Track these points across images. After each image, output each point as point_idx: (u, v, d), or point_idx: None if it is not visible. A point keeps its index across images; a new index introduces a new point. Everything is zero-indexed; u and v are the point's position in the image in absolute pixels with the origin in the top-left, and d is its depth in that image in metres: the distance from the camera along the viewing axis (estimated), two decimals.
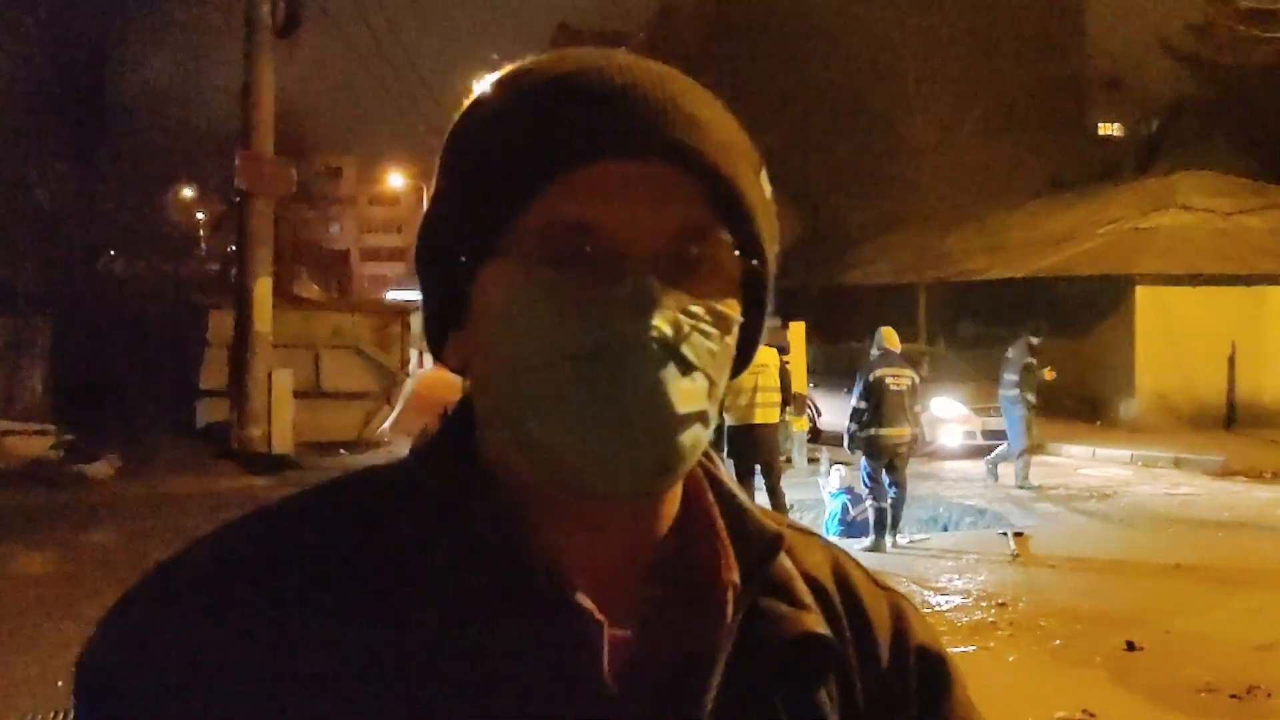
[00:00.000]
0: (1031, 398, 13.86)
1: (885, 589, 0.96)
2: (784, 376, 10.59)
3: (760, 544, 0.85)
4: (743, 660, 0.81)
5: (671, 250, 0.77)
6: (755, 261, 0.82)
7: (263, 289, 15.62)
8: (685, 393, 0.76)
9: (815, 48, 30.77)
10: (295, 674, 0.73)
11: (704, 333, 0.77)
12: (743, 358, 0.85)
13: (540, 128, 0.75)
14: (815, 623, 0.84)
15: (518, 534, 0.78)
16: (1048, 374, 14.19)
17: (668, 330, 0.75)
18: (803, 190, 32.67)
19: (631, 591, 0.82)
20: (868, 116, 28.63)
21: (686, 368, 0.76)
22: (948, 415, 17.83)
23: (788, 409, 11.21)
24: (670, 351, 0.75)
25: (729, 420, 10.47)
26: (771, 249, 0.84)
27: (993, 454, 14.71)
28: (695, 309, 0.77)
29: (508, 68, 0.82)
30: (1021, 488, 13.78)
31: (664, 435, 0.76)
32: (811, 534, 0.97)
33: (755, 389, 10.28)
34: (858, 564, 0.96)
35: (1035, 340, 14.11)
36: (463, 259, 0.79)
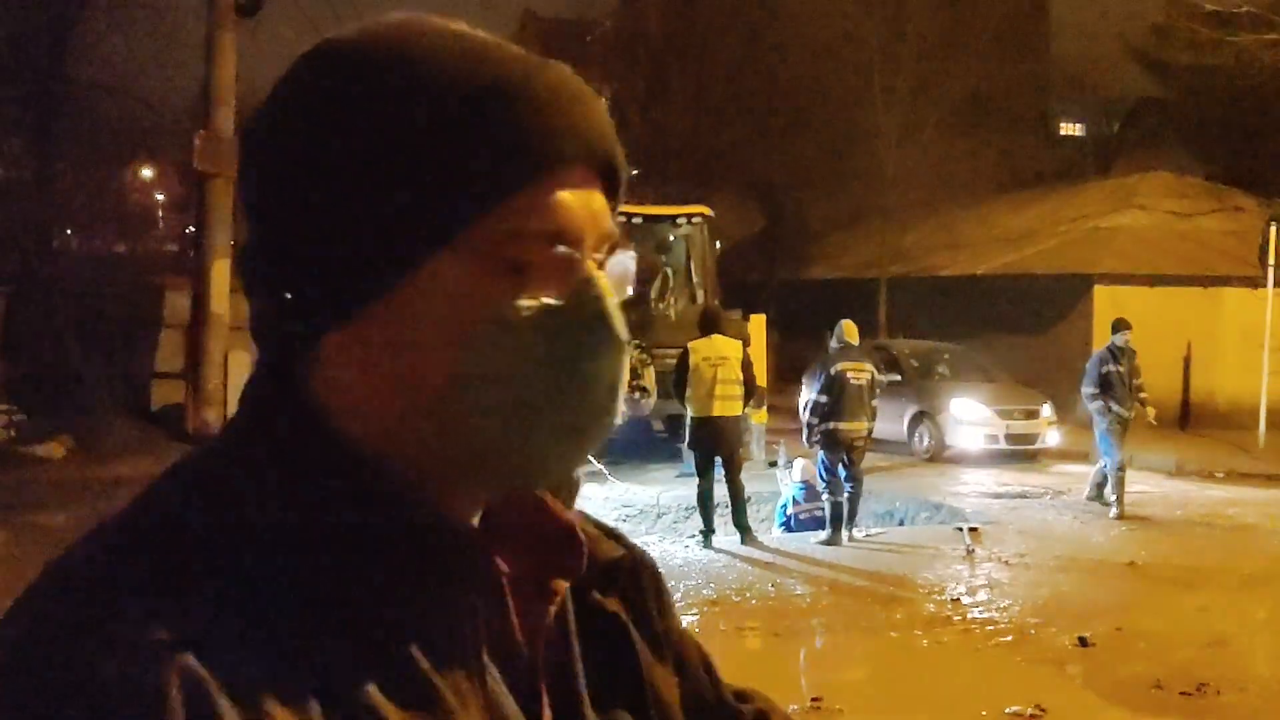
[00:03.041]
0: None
1: (601, 526, 0.99)
2: (747, 369, 10.53)
3: (566, 490, 0.89)
4: (580, 587, 0.88)
5: (607, 255, 0.82)
6: None
7: (220, 270, 15.44)
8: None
9: (779, 41, 30.79)
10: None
11: None
12: None
13: (520, 130, 0.76)
14: (613, 549, 0.93)
15: (418, 499, 0.77)
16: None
17: (625, 335, 0.78)
18: (766, 184, 32.80)
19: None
20: (831, 111, 28.68)
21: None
22: (968, 417, 16.63)
23: (750, 402, 11.15)
24: (623, 355, 0.79)
25: (690, 411, 10.44)
26: None
27: (1104, 486, 12.51)
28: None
29: (426, 39, 0.79)
30: (1098, 501, 12.42)
31: (609, 427, 0.79)
32: None
33: (714, 381, 10.24)
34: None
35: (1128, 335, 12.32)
36: (389, 254, 0.75)
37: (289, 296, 0.77)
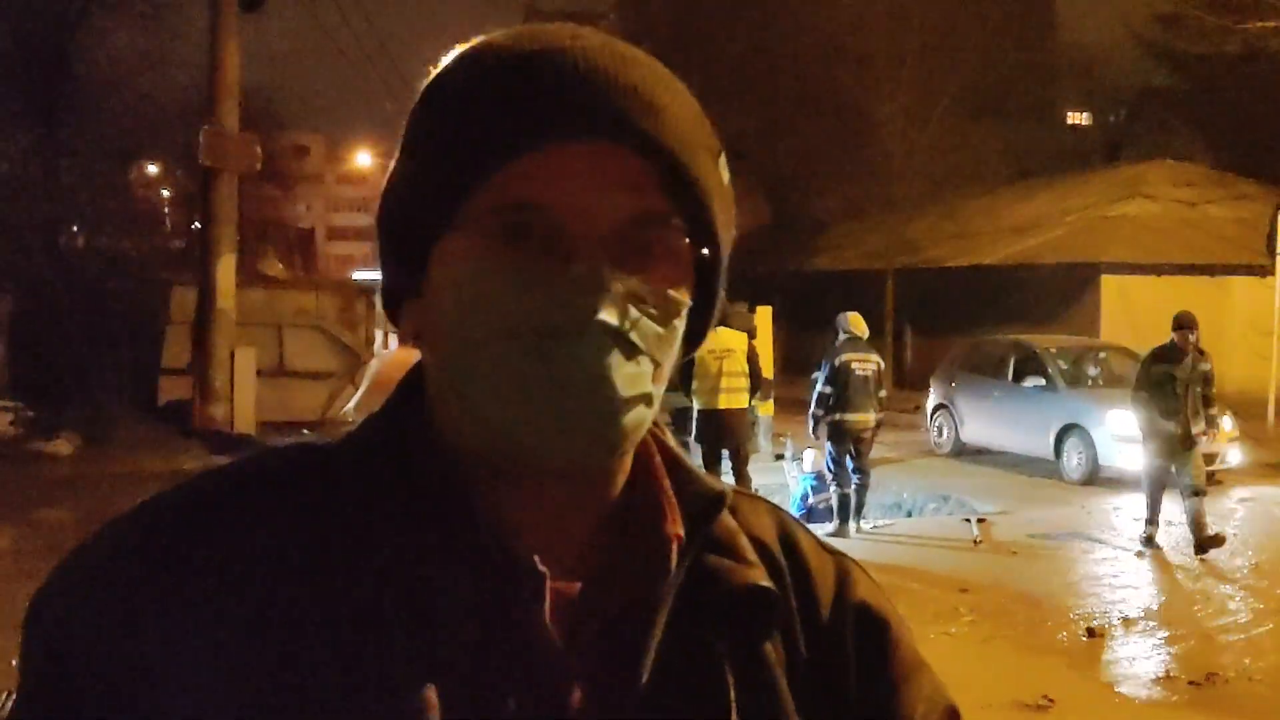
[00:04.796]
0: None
1: (832, 552, 0.97)
2: (753, 362, 10.50)
3: (704, 502, 0.87)
4: (686, 612, 0.83)
5: (624, 234, 0.78)
6: (707, 250, 0.83)
7: (226, 266, 15.45)
8: (629, 378, 0.78)
9: (785, 32, 30.70)
10: (240, 625, 0.75)
11: (651, 317, 0.79)
12: (693, 339, 0.87)
13: (500, 107, 0.77)
14: (759, 576, 0.86)
15: (462, 493, 0.81)
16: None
17: (614, 319, 0.76)
18: (772, 175, 32.73)
19: (579, 549, 0.84)
20: (837, 101, 28.58)
21: (632, 352, 0.78)
22: (1128, 433, 11.84)
23: (756, 394, 11.11)
24: (616, 337, 0.77)
25: (696, 404, 10.41)
26: (726, 236, 0.85)
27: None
28: (644, 294, 0.78)
29: (473, 41, 0.83)
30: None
31: (607, 418, 0.78)
32: (759, 499, 0.99)
33: (720, 374, 10.21)
34: (805, 529, 0.98)
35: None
36: (420, 231, 0.81)
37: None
